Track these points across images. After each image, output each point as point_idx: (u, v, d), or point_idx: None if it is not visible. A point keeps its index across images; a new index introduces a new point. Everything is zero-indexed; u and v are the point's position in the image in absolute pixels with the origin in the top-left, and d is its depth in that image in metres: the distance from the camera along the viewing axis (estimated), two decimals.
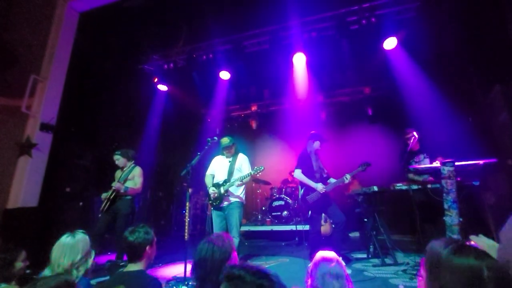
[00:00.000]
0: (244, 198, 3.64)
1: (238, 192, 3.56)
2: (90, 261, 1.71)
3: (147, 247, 1.71)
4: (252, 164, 3.73)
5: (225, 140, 3.62)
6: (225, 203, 3.52)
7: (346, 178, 3.40)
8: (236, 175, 3.55)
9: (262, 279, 0.78)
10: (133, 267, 1.72)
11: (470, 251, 0.89)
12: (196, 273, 1.38)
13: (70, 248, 1.66)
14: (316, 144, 3.61)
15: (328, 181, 3.58)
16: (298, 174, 3.56)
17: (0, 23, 4.07)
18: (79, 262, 1.64)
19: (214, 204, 3.54)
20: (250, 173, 3.48)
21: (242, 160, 3.68)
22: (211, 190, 3.53)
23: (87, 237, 1.75)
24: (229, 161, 3.65)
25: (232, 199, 3.52)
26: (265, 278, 0.79)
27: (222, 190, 3.49)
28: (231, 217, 3.45)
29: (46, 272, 1.65)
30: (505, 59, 3.06)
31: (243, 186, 3.63)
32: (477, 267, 0.83)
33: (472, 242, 1.17)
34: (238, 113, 8.23)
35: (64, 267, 1.61)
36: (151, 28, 5.81)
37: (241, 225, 3.60)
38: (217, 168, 3.71)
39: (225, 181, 3.53)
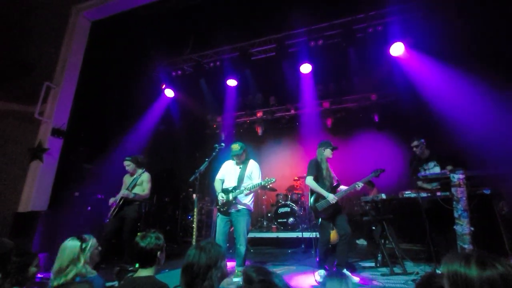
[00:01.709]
0: (252, 206, 3.60)
1: (246, 200, 3.51)
2: (80, 265, 1.73)
3: (158, 253, 1.73)
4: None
5: (236, 147, 3.56)
6: (233, 210, 3.48)
7: (358, 186, 3.37)
8: (246, 182, 3.52)
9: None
10: (143, 272, 1.73)
11: (494, 260, 0.89)
12: (183, 279, 1.39)
13: (60, 253, 1.73)
14: (327, 152, 3.56)
15: (339, 188, 3.54)
16: (309, 181, 3.52)
17: (17, 33, 4.21)
18: (66, 269, 1.68)
19: (222, 210, 3.53)
20: (261, 183, 3.42)
21: (253, 167, 3.62)
22: (220, 196, 3.52)
23: (77, 245, 1.77)
24: (240, 167, 3.61)
25: (240, 207, 3.48)
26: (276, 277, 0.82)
27: (230, 196, 3.46)
28: (238, 224, 3.42)
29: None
30: None
31: (252, 194, 3.60)
32: (507, 273, 0.85)
33: None
34: (244, 119, 8.27)
35: (54, 271, 1.68)
36: (160, 36, 5.94)
37: (248, 232, 3.55)
38: (227, 174, 3.67)
39: (235, 188, 3.49)
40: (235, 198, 3.45)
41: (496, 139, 3.72)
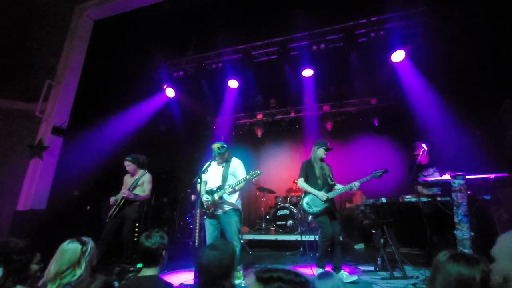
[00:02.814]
0: (239, 206, 3.47)
1: (232, 199, 3.38)
2: (79, 272, 1.65)
3: (163, 252, 1.74)
4: None
5: (217, 146, 3.43)
6: (219, 211, 3.36)
7: (355, 185, 3.37)
8: (231, 181, 3.39)
9: (299, 277, 0.80)
10: (147, 271, 1.73)
11: (462, 258, 1.00)
12: (201, 280, 1.40)
13: (59, 256, 1.66)
14: (320, 152, 3.54)
15: (334, 187, 3.53)
16: (300, 183, 3.52)
17: (19, 31, 4.21)
18: (64, 272, 1.63)
19: (208, 212, 3.39)
20: (246, 178, 3.26)
21: (236, 165, 3.52)
22: (204, 198, 3.37)
23: (78, 247, 1.71)
24: (222, 166, 3.50)
25: (227, 207, 3.36)
26: (301, 276, 0.80)
27: (215, 196, 3.32)
28: (228, 226, 3.30)
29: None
30: None
31: (238, 192, 3.44)
32: (467, 274, 0.95)
33: None
34: (243, 121, 8.28)
35: (50, 274, 1.62)
36: (162, 36, 5.95)
37: (239, 232, 3.45)
38: (210, 174, 3.51)
39: (219, 188, 3.36)
40: (220, 197, 3.32)
41: (495, 146, 3.76)
